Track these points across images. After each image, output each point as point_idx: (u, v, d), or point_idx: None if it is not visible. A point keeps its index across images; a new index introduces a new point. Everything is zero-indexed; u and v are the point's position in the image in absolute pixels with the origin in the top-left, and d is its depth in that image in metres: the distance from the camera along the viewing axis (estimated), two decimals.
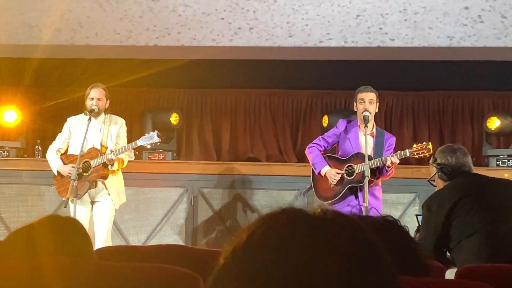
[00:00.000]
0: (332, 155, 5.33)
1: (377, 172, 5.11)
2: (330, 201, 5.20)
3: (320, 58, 7.02)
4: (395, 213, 6.09)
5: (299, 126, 7.73)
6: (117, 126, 5.51)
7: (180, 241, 6.63)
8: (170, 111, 7.39)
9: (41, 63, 6.92)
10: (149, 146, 5.67)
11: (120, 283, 1.59)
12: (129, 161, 5.67)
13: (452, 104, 7.57)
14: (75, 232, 1.82)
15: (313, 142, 5.41)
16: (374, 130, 5.29)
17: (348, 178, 5.17)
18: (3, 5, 6.81)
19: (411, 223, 4.03)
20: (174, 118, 7.33)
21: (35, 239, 1.71)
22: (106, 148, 5.43)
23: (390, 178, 5.23)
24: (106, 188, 5.43)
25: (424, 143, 5.09)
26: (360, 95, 5.21)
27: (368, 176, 4.94)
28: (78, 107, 6.00)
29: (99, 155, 5.34)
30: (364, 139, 5.08)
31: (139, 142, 5.37)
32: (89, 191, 5.39)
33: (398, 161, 5.03)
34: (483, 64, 7.07)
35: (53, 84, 7.38)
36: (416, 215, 4.20)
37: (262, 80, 7.58)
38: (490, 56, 6.83)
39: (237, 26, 6.73)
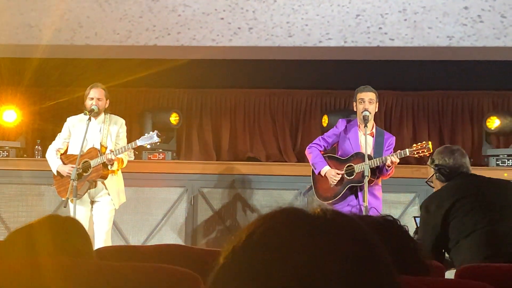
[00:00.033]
0: (332, 155, 5.33)
1: (377, 171, 5.11)
2: (330, 201, 5.20)
3: (320, 58, 7.02)
4: (395, 213, 6.08)
5: (299, 126, 7.72)
6: (117, 126, 5.51)
7: (180, 241, 6.63)
8: (170, 111, 7.39)
9: (41, 63, 6.91)
10: (148, 146, 5.68)
11: (120, 283, 1.59)
12: (129, 161, 5.67)
13: (452, 104, 7.56)
14: (75, 232, 1.82)
15: (313, 142, 5.41)
16: (374, 130, 5.29)
17: (348, 178, 5.17)
18: (3, 5, 6.81)
19: (411, 223, 4.03)
20: (173, 118, 7.33)
21: (35, 239, 1.71)
22: (106, 148, 5.42)
23: (390, 177, 5.23)
24: (106, 188, 5.42)
25: (424, 142, 5.08)
26: (360, 95, 5.21)
27: (368, 176, 4.94)
28: (77, 107, 6.00)
29: (99, 155, 5.34)
30: (364, 139, 5.08)
31: (139, 142, 5.37)
32: (88, 191, 5.39)
33: (398, 161, 5.03)
34: (483, 64, 7.06)
35: (53, 84, 7.38)
36: (414, 217, 4.18)
37: (262, 80, 7.57)
38: (490, 56, 6.82)
39: (237, 26, 6.73)
